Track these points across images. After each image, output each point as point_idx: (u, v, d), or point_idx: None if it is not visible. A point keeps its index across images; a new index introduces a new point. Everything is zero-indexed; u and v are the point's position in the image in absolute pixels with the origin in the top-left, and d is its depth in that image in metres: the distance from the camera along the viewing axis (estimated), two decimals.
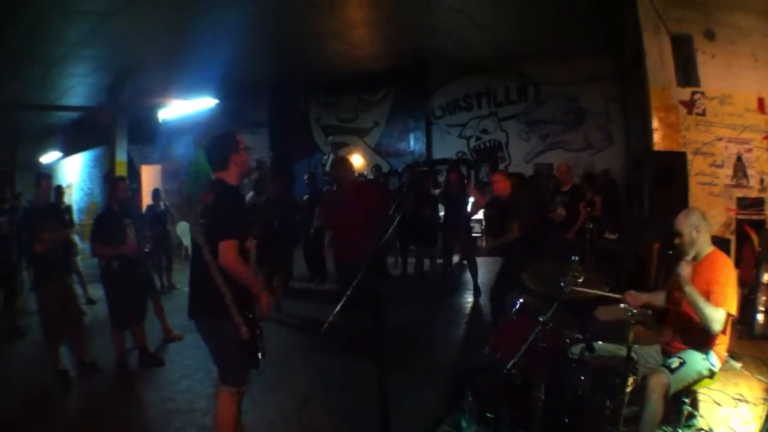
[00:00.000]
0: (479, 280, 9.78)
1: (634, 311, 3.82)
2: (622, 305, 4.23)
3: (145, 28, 10.12)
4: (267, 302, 4.02)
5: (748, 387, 5.37)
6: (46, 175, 7.01)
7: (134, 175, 17.17)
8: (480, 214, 13.48)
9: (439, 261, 11.23)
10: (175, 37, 10.85)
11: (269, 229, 8.65)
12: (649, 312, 4.56)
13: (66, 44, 10.72)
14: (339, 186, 7.23)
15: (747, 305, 6.94)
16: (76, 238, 9.46)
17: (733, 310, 3.94)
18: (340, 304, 3.48)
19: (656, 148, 7.68)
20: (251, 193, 9.97)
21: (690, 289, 3.91)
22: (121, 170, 13.82)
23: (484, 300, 9.25)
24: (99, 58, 11.89)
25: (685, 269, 3.99)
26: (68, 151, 18.88)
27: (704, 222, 4.28)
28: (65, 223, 6.69)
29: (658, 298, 4.66)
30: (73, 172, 19.62)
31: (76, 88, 14.07)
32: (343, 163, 7.38)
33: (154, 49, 11.47)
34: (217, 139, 4.15)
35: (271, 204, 9.14)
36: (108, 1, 8.88)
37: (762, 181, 7.56)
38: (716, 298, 3.91)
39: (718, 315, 3.84)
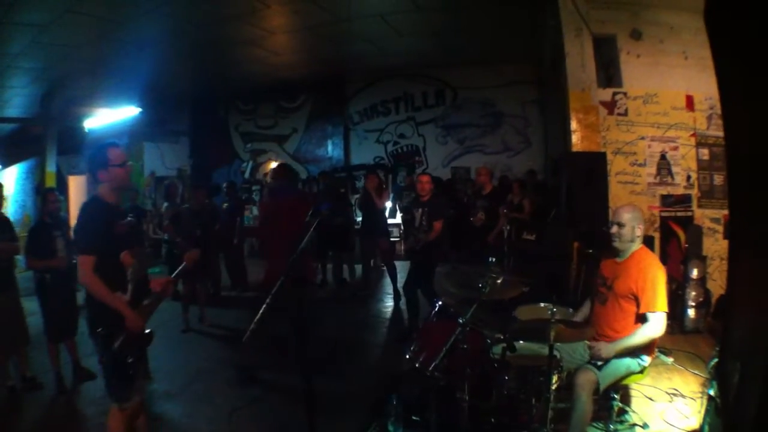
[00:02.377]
0: (399, 284, 9.62)
1: (554, 309, 3.80)
2: (542, 304, 4.34)
3: (78, 38, 10.20)
4: (132, 320, 3.72)
5: (683, 381, 5.47)
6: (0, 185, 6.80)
7: (63, 186, 16.75)
8: (398, 218, 13.52)
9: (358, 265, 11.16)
10: (104, 47, 10.87)
11: (190, 239, 8.34)
12: (570, 310, 4.60)
13: (8, 56, 10.86)
14: (275, 198, 6.74)
15: (676, 301, 7.10)
16: None
17: (666, 308, 3.98)
18: (260, 312, 3.32)
19: (575, 149, 7.76)
20: (165, 204, 9.71)
21: (616, 348, 3.97)
22: (50, 181, 13.97)
23: (404, 304, 9.20)
24: (36, 70, 11.97)
25: (604, 351, 3.99)
26: (5, 163, 18.66)
27: (643, 224, 4.33)
28: (15, 236, 6.37)
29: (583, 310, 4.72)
30: (8, 185, 18.78)
31: (14, 100, 14.08)
32: (283, 171, 6.99)
33: (83, 59, 11.46)
34: (90, 154, 4.02)
35: (193, 213, 8.80)
36: (45, 12, 8.95)
37: (689, 178, 7.77)
38: (648, 302, 3.96)
39: (655, 326, 3.93)
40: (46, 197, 6.61)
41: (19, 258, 6.72)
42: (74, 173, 18.57)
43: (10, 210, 17.58)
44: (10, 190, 18.35)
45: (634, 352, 4.05)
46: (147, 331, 3.98)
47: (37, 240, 6.29)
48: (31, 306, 6.55)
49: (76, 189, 18.12)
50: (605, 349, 3.97)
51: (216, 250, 9.78)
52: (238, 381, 6.20)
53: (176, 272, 4.33)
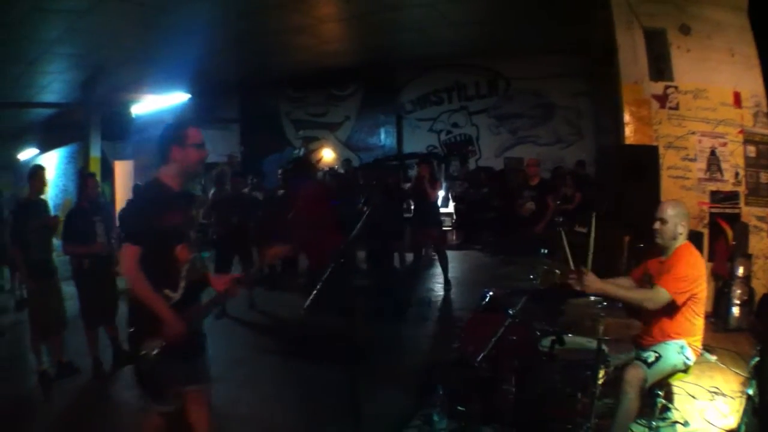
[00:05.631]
0: (450, 274, 9.69)
1: (605, 304, 3.80)
2: (592, 298, 4.22)
3: (119, 24, 10.18)
4: (172, 326, 3.20)
5: (724, 380, 5.39)
6: (40, 166, 6.77)
7: (108, 171, 16.95)
8: (451, 207, 13.54)
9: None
10: (148, 33, 10.87)
11: (227, 226, 8.62)
12: (620, 305, 4.53)
13: (45, 42, 10.75)
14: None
15: (721, 298, 7.01)
16: None
17: (668, 297, 3.93)
18: (310, 299, 3.38)
19: (627, 142, 7.68)
20: (213, 190, 9.86)
21: (605, 289, 3.98)
22: (94, 166, 13.90)
23: (454, 293, 9.29)
24: (75, 56, 11.99)
25: (589, 282, 3.99)
26: (44, 148, 18.99)
27: (688, 219, 4.25)
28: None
29: (621, 284, 4.54)
30: (48, 169, 19.19)
31: (53, 85, 14.10)
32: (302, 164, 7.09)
33: (127, 46, 11.50)
34: (164, 131, 3.50)
35: (230, 200, 9.09)
36: None
37: (737, 174, 7.60)
38: (663, 282, 3.95)
39: (653, 294, 3.92)
40: (86, 182, 6.55)
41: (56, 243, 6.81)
42: (120, 158, 18.69)
43: (51, 194, 17.79)
44: (51, 175, 18.93)
45: (671, 334, 4.04)
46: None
47: (74, 225, 6.25)
48: (69, 290, 6.63)
49: (122, 174, 18.24)
50: (592, 282, 3.98)
51: (254, 239, 9.81)
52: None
53: (249, 273, 3.93)
